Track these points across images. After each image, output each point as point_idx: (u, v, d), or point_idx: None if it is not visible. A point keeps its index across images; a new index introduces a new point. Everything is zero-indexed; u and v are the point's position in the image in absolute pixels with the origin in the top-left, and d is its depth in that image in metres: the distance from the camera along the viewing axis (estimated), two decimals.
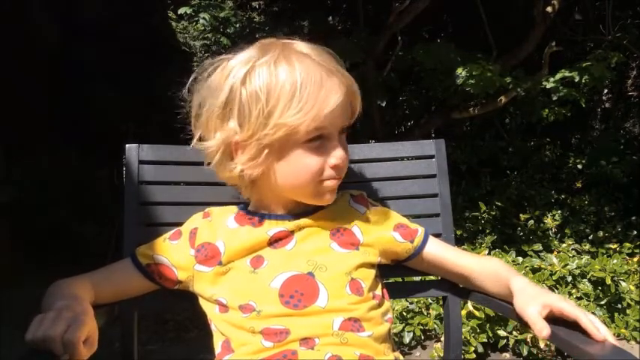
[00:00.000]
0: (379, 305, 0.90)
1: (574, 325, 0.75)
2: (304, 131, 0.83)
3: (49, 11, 4.08)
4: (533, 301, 0.80)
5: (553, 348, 2.36)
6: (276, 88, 0.82)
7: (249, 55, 0.87)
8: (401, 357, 0.89)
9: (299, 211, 0.93)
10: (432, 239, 1.01)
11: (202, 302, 0.92)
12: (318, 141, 0.86)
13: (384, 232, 0.97)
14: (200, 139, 0.92)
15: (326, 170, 0.88)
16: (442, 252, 1.01)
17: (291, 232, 0.91)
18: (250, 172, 0.88)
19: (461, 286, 1.05)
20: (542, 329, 0.76)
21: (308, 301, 0.83)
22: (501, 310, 0.94)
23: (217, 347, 0.88)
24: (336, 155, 0.87)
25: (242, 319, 0.84)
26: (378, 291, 0.92)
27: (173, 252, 0.94)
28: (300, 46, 0.89)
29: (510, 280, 0.88)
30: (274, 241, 0.90)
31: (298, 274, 0.86)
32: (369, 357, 0.81)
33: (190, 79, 0.92)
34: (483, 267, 0.97)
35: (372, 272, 0.92)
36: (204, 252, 0.91)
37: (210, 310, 0.90)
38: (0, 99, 3.39)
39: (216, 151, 0.89)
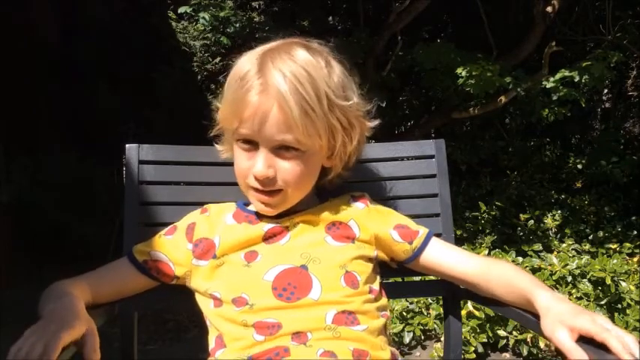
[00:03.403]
0: (375, 299, 0.89)
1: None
2: (231, 128, 0.88)
3: (49, 11, 4.08)
4: (561, 325, 0.74)
5: (553, 348, 2.36)
6: (228, 81, 0.89)
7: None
8: (397, 352, 0.88)
9: (296, 208, 0.93)
10: (434, 242, 0.98)
11: (198, 298, 0.92)
12: (246, 144, 0.88)
13: (382, 229, 0.96)
14: None
15: (249, 177, 0.89)
16: (444, 257, 0.97)
17: (286, 228, 0.91)
18: (223, 154, 0.98)
19: (462, 286, 1.05)
20: (581, 357, 0.70)
21: (301, 293, 0.83)
22: (501, 310, 0.93)
23: (211, 342, 0.88)
24: (255, 165, 0.86)
25: (235, 312, 0.84)
26: (375, 285, 0.91)
27: (169, 247, 0.94)
28: (285, 57, 0.85)
29: (533, 295, 0.82)
30: (269, 237, 0.91)
31: (291, 267, 0.86)
32: (364, 351, 0.80)
33: None
34: (492, 274, 0.92)
35: (369, 266, 0.92)
36: (202, 246, 0.92)
37: (205, 305, 0.90)
38: (0, 99, 3.39)
39: (217, 128, 0.97)
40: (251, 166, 0.87)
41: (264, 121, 0.83)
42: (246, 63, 0.87)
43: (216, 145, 1.00)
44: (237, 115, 0.85)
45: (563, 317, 0.75)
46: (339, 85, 0.89)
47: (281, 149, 0.86)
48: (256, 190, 0.89)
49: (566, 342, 0.72)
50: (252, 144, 0.87)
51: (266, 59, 0.86)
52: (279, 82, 0.82)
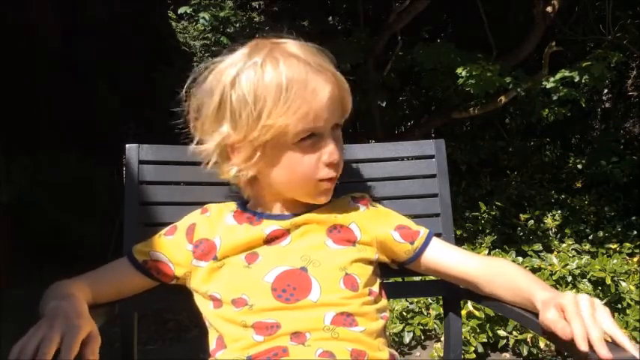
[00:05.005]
0: (375, 301, 0.89)
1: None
2: (293, 132, 0.84)
3: (49, 11, 4.08)
4: (549, 306, 0.76)
5: (553, 348, 2.36)
6: (262, 91, 0.83)
7: (237, 57, 0.89)
8: (396, 353, 0.88)
9: (296, 210, 0.94)
10: (435, 242, 0.98)
11: (197, 299, 0.92)
12: (309, 140, 0.87)
13: (383, 230, 0.96)
14: (199, 142, 0.94)
15: (321, 169, 0.89)
16: (445, 256, 0.97)
17: (287, 231, 0.91)
18: (246, 173, 0.90)
19: (462, 286, 1.04)
20: (563, 327, 0.71)
21: (300, 295, 0.83)
22: (501, 310, 0.93)
23: (212, 344, 0.88)
24: (329, 152, 0.88)
25: (234, 313, 0.84)
26: (375, 288, 0.91)
27: (169, 247, 0.94)
28: (290, 45, 0.89)
29: (534, 296, 0.82)
30: (270, 240, 0.91)
31: (291, 269, 0.86)
32: (362, 352, 0.80)
33: (187, 82, 0.94)
34: (494, 273, 0.92)
35: (369, 268, 0.91)
36: (202, 247, 0.92)
37: (204, 306, 0.90)
38: (0, 99, 3.39)
39: (212, 153, 0.91)
40: (318, 158, 0.88)
41: (335, 106, 0.88)
42: (272, 71, 0.84)
43: (225, 176, 0.93)
44: (310, 114, 0.84)
45: (551, 300, 0.77)
46: None
47: (334, 130, 0.90)
48: (327, 180, 0.90)
49: (552, 317, 0.74)
50: (314, 137, 0.87)
51: (289, 54, 0.86)
52: (325, 65, 0.87)
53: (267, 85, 0.83)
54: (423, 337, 2.49)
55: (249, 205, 0.98)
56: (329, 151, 0.88)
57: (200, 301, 0.91)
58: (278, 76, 0.83)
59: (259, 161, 0.88)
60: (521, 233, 3.32)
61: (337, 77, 0.88)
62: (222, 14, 3.76)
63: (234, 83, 0.86)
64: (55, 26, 4.13)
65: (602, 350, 0.67)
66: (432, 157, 1.15)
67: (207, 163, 0.93)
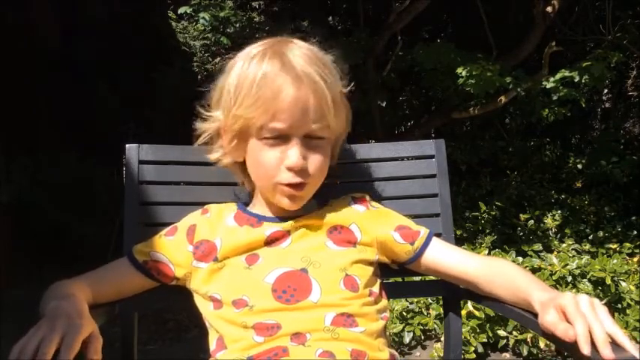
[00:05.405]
0: (375, 302, 0.89)
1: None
2: (256, 126, 0.86)
3: (49, 11, 4.08)
4: (549, 307, 0.76)
5: (553, 348, 2.36)
6: (242, 82, 0.87)
7: (245, 50, 0.92)
8: (396, 353, 0.88)
9: (296, 211, 0.93)
10: (435, 242, 0.98)
11: (197, 300, 0.92)
12: (273, 139, 0.87)
13: (383, 231, 0.96)
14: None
15: (281, 172, 0.88)
16: (445, 256, 0.97)
17: (288, 232, 0.92)
18: (226, 158, 0.95)
19: (462, 286, 1.04)
20: (565, 330, 0.71)
21: (301, 296, 0.83)
22: (501, 310, 0.93)
23: (212, 344, 0.88)
24: (290, 157, 0.86)
25: (235, 314, 0.84)
26: (375, 288, 0.92)
27: (170, 248, 0.94)
28: (288, 44, 0.90)
29: (531, 297, 0.82)
30: (271, 241, 0.91)
31: (291, 270, 0.86)
32: (362, 352, 0.80)
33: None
34: (494, 273, 0.93)
35: (369, 269, 0.92)
36: (202, 248, 0.92)
37: (205, 307, 0.90)
38: (0, 99, 3.39)
39: (205, 132, 0.96)
40: (280, 160, 0.87)
41: (302, 111, 0.85)
42: (255, 65, 0.86)
43: (211, 156, 0.97)
44: (270, 111, 0.84)
45: (550, 301, 0.77)
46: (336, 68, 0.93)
47: (310, 138, 0.88)
48: (287, 185, 0.88)
49: (552, 319, 0.73)
50: (280, 138, 0.87)
51: (278, 54, 0.87)
52: (309, 71, 0.85)
53: (246, 78, 0.87)
54: (423, 337, 2.49)
55: (249, 207, 0.99)
56: (290, 156, 0.86)
57: (200, 302, 0.91)
58: (256, 71, 0.86)
59: (237, 148, 0.92)
60: (521, 233, 3.32)
61: (318, 86, 0.85)
62: (222, 14, 3.76)
63: (231, 72, 0.90)
64: (55, 26, 4.13)
65: (606, 350, 0.67)
66: (432, 157, 1.15)
67: (200, 140, 0.97)
